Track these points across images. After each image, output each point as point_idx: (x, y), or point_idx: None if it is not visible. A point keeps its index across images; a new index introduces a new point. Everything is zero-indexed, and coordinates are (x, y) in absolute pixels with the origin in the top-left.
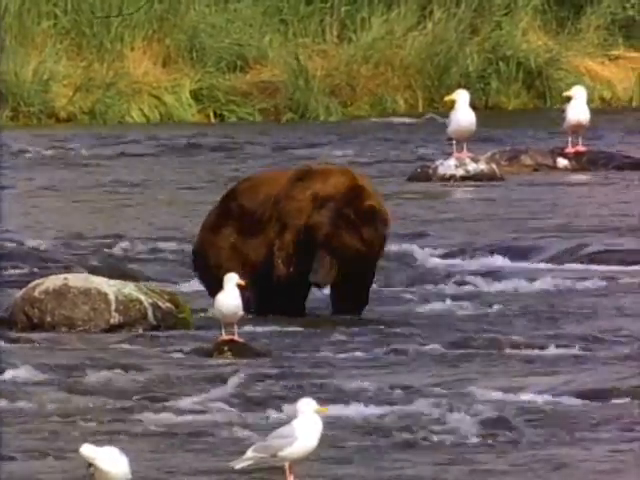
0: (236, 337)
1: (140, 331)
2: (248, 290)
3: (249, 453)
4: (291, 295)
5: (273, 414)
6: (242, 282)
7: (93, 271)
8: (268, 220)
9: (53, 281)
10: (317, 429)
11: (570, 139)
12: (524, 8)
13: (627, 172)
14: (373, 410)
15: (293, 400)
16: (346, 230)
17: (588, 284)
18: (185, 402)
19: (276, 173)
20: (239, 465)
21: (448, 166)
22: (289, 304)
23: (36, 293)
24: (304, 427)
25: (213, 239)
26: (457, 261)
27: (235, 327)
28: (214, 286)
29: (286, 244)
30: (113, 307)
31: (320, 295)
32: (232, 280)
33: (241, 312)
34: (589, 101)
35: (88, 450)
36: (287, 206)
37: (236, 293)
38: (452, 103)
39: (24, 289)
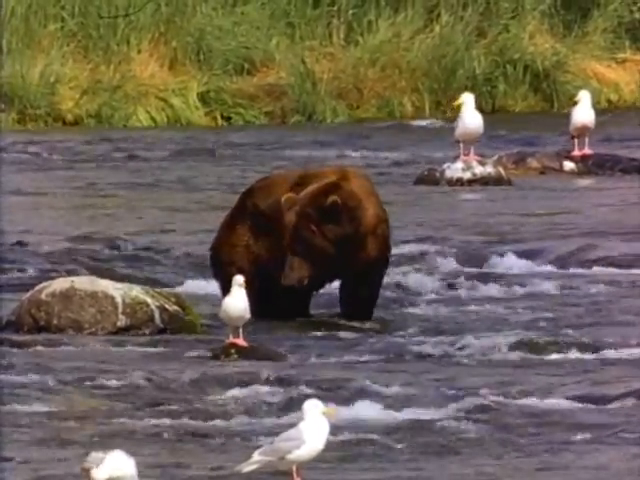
0: (242, 340)
1: (147, 334)
2: (258, 290)
3: (256, 456)
4: (292, 297)
5: (280, 416)
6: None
7: (100, 274)
8: (277, 222)
9: (60, 284)
10: (324, 431)
11: (576, 142)
12: (531, 11)
13: (634, 175)
14: (380, 412)
15: (300, 402)
16: (308, 230)
17: (594, 287)
18: (192, 405)
19: (290, 174)
20: (246, 469)
21: (455, 169)
22: (291, 306)
23: (43, 296)
24: (311, 429)
25: (228, 237)
26: (464, 264)
27: (241, 330)
28: (227, 284)
29: (282, 247)
30: (120, 310)
31: (327, 297)
32: (239, 283)
33: (248, 315)
34: (595, 104)
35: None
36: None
37: (243, 296)
38: (460, 108)
39: (31, 292)
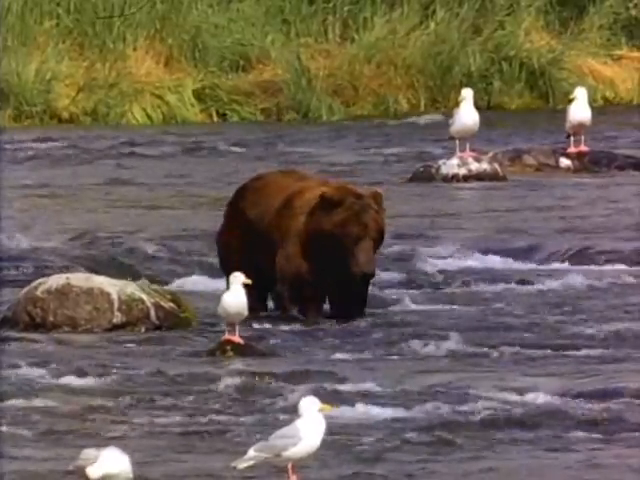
0: (238, 337)
1: (142, 331)
2: (253, 289)
3: (251, 452)
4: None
5: (275, 413)
6: (248, 281)
7: (95, 271)
8: (271, 226)
9: (56, 280)
10: (321, 428)
11: (572, 139)
12: (527, 8)
13: (629, 172)
14: (374, 410)
15: (295, 400)
16: (374, 217)
17: (590, 284)
18: (187, 402)
19: (282, 176)
20: (242, 465)
21: (451, 166)
22: (307, 303)
23: (38, 292)
24: (308, 427)
25: (226, 233)
26: (459, 261)
27: (237, 327)
28: (227, 279)
29: (289, 250)
30: (116, 307)
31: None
32: (238, 280)
33: (246, 312)
34: (592, 101)
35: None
36: (286, 218)
37: (242, 293)
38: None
39: (26, 288)
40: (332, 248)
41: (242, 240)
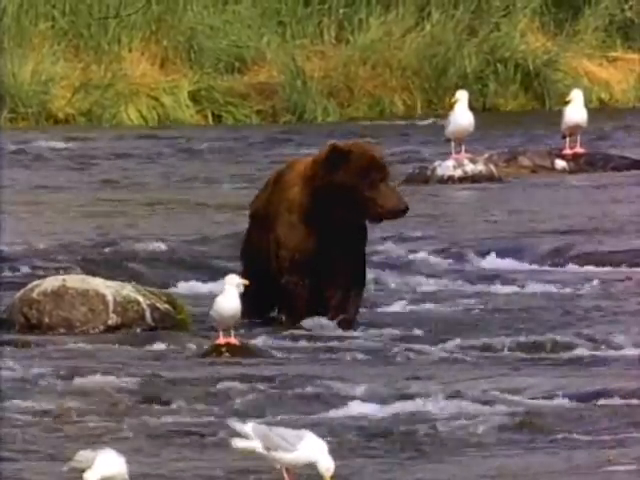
0: (233, 338)
1: (138, 332)
2: (252, 287)
3: (249, 429)
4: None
5: (271, 415)
6: (245, 282)
7: (91, 272)
8: (267, 214)
9: (51, 282)
10: (320, 448)
11: (568, 140)
12: (522, 10)
13: (625, 173)
14: (371, 412)
15: (291, 402)
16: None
17: (586, 285)
18: (182, 403)
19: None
20: (240, 444)
21: (446, 167)
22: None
23: (34, 294)
24: (310, 444)
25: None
26: (455, 262)
27: (232, 329)
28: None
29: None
30: (111, 308)
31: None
32: (232, 282)
33: (239, 315)
34: (587, 102)
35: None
36: (280, 193)
37: (236, 296)
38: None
39: (22, 290)
40: (347, 201)
41: (252, 232)
